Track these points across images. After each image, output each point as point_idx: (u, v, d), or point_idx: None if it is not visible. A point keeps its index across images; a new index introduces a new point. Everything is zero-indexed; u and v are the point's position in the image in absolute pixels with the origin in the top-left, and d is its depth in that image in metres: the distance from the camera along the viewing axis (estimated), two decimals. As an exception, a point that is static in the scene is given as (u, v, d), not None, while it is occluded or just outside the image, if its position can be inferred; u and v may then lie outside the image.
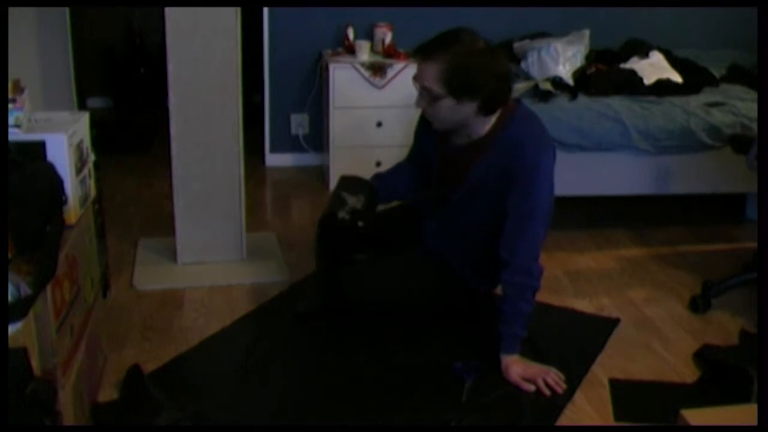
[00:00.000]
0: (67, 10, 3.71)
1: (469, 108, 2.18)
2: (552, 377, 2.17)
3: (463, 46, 2.13)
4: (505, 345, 2.21)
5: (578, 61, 3.56)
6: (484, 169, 2.28)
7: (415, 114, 2.42)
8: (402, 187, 2.58)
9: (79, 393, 1.81)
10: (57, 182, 1.80)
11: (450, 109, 2.18)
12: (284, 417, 2.01)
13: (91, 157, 2.12)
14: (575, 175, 3.13)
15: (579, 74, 3.47)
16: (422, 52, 2.16)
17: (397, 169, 2.61)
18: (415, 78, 2.19)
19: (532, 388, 2.15)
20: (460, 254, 2.47)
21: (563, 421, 2.04)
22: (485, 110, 2.20)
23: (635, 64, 3.60)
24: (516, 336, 2.21)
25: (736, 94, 3.43)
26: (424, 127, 2.46)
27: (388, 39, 3.86)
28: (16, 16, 2.81)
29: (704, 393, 2.15)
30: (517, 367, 2.19)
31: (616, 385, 2.21)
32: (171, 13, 2.59)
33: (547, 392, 2.14)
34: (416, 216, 2.65)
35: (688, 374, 2.28)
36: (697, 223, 3.50)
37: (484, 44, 2.16)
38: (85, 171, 2.03)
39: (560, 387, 2.15)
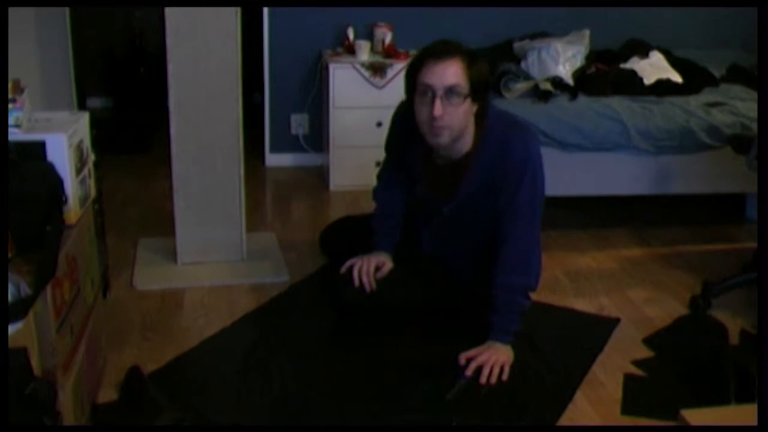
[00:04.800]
0: (67, 10, 3.72)
1: (471, 113, 2.19)
2: (496, 370, 2.16)
3: (466, 48, 2.16)
4: (493, 334, 2.24)
5: (578, 61, 3.56)
6: (474, 182, 2.28)
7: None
8: (402, 210, 2.59)
9: (79, 393, 1.81)
10: (57, 182, 1.80)
11: (465, 113, 2.15)
12: (284, 417, 2.01)
13: (91, 157, 2.12)
14: (575, 175, 3.13)
15: (579, 74, 3.47)
16: (438, 54, 2.11)
17: (391, 204, 2.58)
18: (431, 82, 2.11)
19: (468, 374, 2.16)
20: (459, 258, 2.48)
21: (563, 421, 2.04)
22: (479, 116, 2.22)
23: (635, 64, 3.60)
24: (506, 329, 2.24)
25: (736, 94, 3.43)
26: (402, 143, 2.42)
27: (388, 39, 3.86)
28: (16, 16, 2.81)
29: (707, 393, 2.15)
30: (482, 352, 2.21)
31: (630, 378, 2.23)
32: (171, 13, 2.59)
33: (483, 381, 2.14)
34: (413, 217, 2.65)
35: (688, 374, 2.28)
36: (697, 223, 3.50)
37: None
38: (85, 171, 2.03)
39: (494, 378, 2.16)
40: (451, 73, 2.10)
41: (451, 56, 2.11)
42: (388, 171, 2.60)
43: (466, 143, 2.25)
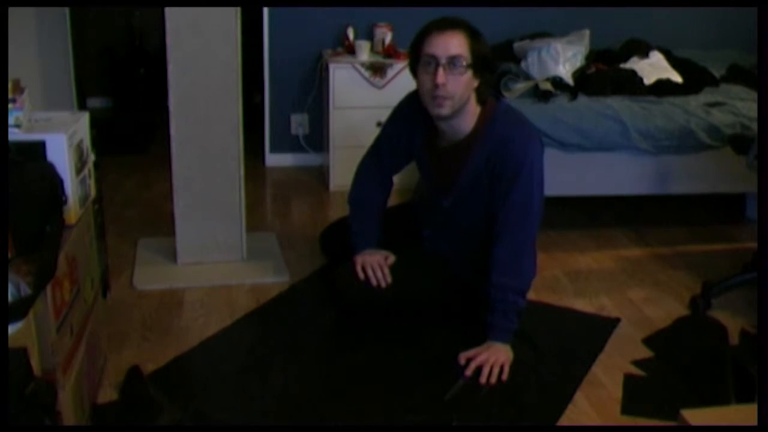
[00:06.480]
0: (67, 10, 3.72)
1: (472, 87, 2.22)
2: (495, 370, 2.17)
3: (469, 23, 2.24)
4: (492, 333, 2.25)
5: (578, 61, 3.56)
6: (473, 171, 2.29)
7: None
8: (381, 211, 2.61)
9: (79, 393, 1.81)
10: (57, 182, 1.80)
11: (467, 85, 2.20)
12: (284, 417, 2.01)
13: (91, 157, 2.12)
14: (575, 175, 3.13)
15: (579, 74, 3.47)
16: (441, 26, 2.18)
17: (370, 205, 2.60)
18: (434, 52, 2.16)
19: (468, 374, 2.17)
20: (459, 257, 2.48)
21: (563, 421, 2.04)
22: (479, 94, 2.25)
23: (635, 64, 3.60)
24: (504, 328, 2.24)
25: (736, 94, 3.43)
26: (407, 127, 2.46)
27: (388, 39, 3.86)
28: (16, 16, 2.81)
29: (707, 393, 2.15)
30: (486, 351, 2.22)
31: (630, 378, 2.23)
32: (171, 14, 2.59)
33: (483, 381, 2.15)
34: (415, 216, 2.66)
35: (688, 374, 2.28)
36: (697, 223, 3.50)
37: None
38: (85, 171, 2.03)
39: (494, 378, 2.16)
40: (454, 43, 2.16)
41: (455, 28, 2.18)
42: (369, 167, 2.63)
43: (468, 123, 2.28)
